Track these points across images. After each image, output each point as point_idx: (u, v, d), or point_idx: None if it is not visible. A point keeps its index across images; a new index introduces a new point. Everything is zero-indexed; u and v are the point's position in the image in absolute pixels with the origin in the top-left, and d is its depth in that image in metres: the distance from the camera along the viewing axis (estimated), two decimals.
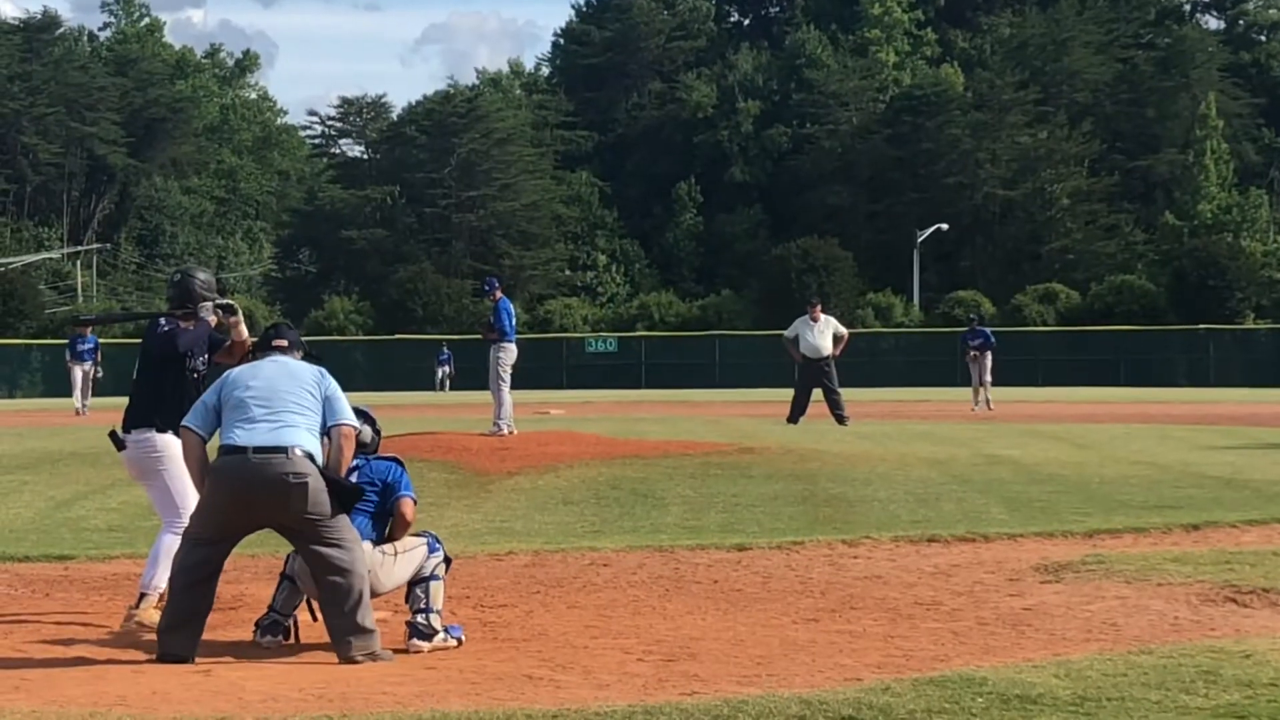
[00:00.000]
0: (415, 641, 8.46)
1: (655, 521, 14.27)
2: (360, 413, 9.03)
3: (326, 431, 8.50)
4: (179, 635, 8.19)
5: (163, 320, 9.76)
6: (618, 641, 8.67)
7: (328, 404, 8.52)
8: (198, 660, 8.13)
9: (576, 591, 10.52)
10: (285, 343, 8.92)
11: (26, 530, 14.17)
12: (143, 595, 9.27)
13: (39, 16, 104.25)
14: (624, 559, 11.85)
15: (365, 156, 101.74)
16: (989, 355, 36.57)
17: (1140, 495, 15.86)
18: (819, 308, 28.28)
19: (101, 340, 41.06)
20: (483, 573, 11.24)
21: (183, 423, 8.64)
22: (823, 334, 27.52)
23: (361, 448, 9.00)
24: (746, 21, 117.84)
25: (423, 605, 8.60)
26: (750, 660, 8.05)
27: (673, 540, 12.70)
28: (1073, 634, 8.74)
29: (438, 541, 8.92)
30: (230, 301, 9.93)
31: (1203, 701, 6.60)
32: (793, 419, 27.35)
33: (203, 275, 9.92)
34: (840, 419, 26.93)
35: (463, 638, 8.64)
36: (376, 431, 9.31)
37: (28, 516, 15.19)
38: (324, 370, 8.74)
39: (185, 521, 8.77)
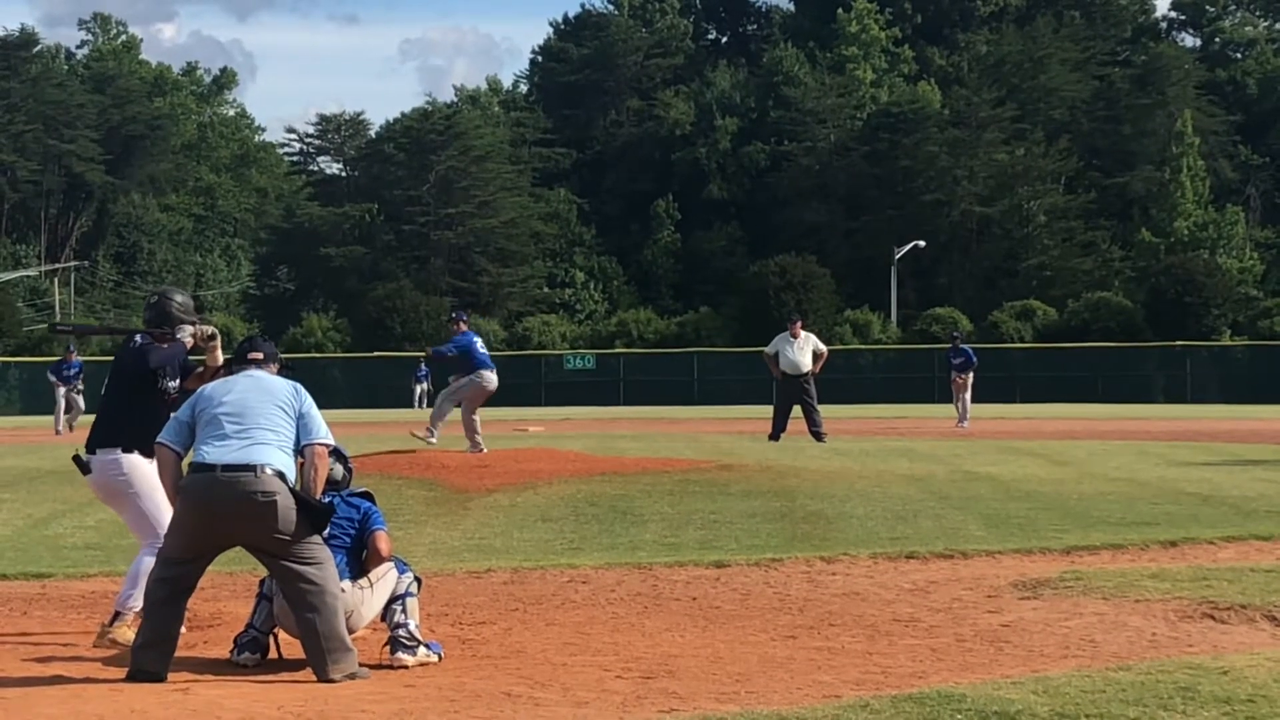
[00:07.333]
0: (399, 655, 8.43)
1: (634, 539, 14.26)
2: (332, 451, 8.93)
3: (301, 450, 8.46)
4: (152, 653, 8.13)
5: (138, 337, 9.69)
6: (596, 659, 8.66)
7: (302, 421, 8.45)
8: (176, 678, 8.10)
9: (555, 609, 10.51)
10: (260, 355, 8.83)
11: (4, 548, 14.11)
12: (117, 614, 9.22)
13: (16, 34, 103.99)
14: (602, 576, 11.85)
15: (343, 174, 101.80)
16: (970, 374, 36.89)
17: (1118, 512, 15.90)
18: (800, 324, 28.45)
19: (83, 359, 41.40)
20: (461, 590, 11.23)
21: (158, 439, 8.58)
22: (803, 350, 27.60)
23: (333, 485, 8.97)
24: (724, 39, 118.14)
25: (401, 619, 8.61)
26: (729, 677, 8.04)
27: (651, 557, 12.70)
28: (1051, 651, 8.75)
29: (405, 564, 8.97)
30: (212, 327, 9.86)
31: (1180, 718, 6.63)
32: (774, 436, 27.39)
33: (180, 298, 9.82)
34: (818, 436, 27.00)
35: (442, 654, 8.65)
36: (348, 469, 9.28)
37: (5, 534, 15.13)
38: (299, 386, 8.65)
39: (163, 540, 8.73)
